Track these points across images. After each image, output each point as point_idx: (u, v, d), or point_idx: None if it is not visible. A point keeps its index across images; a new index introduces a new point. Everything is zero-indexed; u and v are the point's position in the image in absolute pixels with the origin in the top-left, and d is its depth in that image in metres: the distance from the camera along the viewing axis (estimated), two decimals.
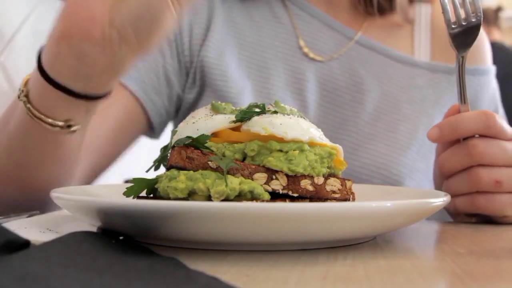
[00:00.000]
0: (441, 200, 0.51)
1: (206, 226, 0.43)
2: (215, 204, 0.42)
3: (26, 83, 0.60)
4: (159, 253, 0.42)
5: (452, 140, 0.68)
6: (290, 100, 0.90)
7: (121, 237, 0.47)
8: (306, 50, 0.94)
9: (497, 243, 0.57)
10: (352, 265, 0.42)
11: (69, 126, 0.60)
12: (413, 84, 0.94)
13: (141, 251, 0.43)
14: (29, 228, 0.53)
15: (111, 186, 0.67)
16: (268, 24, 0.96)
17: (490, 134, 0.65)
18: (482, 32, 1.00)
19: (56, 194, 0.51)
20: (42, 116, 0.59)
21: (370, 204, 0.45)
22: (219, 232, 0.44)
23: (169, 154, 0.54)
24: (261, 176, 0.50)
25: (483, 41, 1.01)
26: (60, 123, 0.59)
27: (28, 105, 0.59)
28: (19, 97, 0.60)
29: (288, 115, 0.54)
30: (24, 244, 0.40)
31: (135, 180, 0.53)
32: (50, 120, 0.59)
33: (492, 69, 1.00)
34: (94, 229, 0.49)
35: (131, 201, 0.44)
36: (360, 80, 0.93)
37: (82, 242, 0.41)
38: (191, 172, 0.49)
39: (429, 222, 0.69)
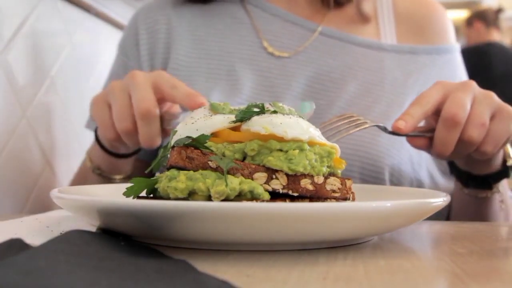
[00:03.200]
0: (441, 200, 0.50)
1: (206, 226, 0.43)
2: (215, 204, 0.42)
3: (91, 159, 0.90)
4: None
5: (427, 141, 0.73)
6: (261, 98, 0.91)
7: (120, 237, 0.47)
8: (270, 49, 0.96)
9: (497, 243, 0.57)
10: (352, 265, 0.42)
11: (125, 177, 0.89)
12: (382, 67, 0.96)
13: (150, 253, 0.42)
14: (28, 227, 0.53)
15: (111, 186, 0.67)
16: (231, 30, 0.98)
17: (451, 88, 0.70)
18: (441, 10, 1.04)
19: (56, 194, 0.51)
20: (112, 176, 0.89)
21: (370, 204, 0.45)
22: (219, 232, 0.44)
23: (169, 154, 0.54)
24: (261, 176, 0.50)
25: (445, 20, 1.03)
26: (123, 176, 0.90)
27: (104, 174, 0.89)
28: (93, 171, 0.89)
29: (288, 114, 0.54)
30: (24, 245, 0.40)
31: (135, 180, 0.53)
32: (117, 177, 0.89)
33: (456, 47, 1.02)
34: (94, 229, 0.49)
35: (131, 201, 0.44)
36: (329, 69, 0.95)
37: (90, 243, 0.40)
38: (191, 172, 0.49)
39: (429, 222, 0.69)
